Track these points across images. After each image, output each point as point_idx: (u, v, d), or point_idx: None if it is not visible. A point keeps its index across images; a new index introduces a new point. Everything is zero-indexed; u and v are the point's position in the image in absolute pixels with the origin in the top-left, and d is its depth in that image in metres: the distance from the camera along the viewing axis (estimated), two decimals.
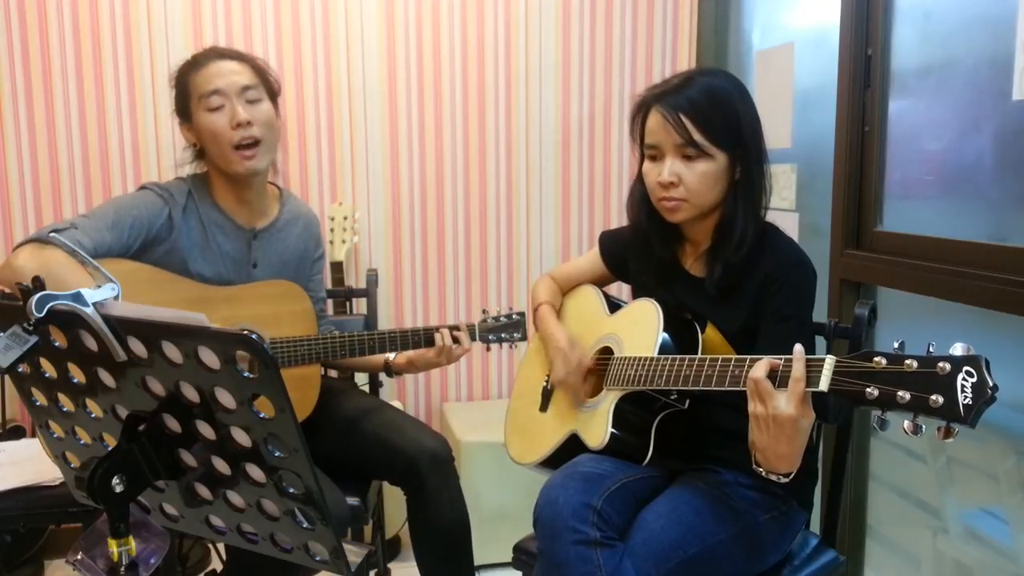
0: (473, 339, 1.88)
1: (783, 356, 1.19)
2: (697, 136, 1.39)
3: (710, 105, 1.41)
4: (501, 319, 1.90)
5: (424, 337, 1.83)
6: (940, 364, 1.01)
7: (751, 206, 1.45)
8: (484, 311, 1.93)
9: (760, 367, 1.19)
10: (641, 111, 1.48)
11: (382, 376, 2.04)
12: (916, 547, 2.06)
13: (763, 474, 1.27)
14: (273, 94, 1.77)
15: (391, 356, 1.94)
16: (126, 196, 1.73)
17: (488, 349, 1.91)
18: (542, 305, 1.74)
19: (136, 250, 1.67)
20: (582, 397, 1.58)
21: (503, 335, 1.90)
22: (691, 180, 1.42)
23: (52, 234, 1.51)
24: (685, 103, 1.40)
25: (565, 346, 1.60)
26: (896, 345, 1.07)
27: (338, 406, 1.90)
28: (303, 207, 1.96)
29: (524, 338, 1.91)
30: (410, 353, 1.89)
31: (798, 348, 1.18)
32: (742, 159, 1.43)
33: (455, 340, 1.83)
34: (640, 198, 1.54)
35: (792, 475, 1.25)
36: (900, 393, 1.04)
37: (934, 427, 1.03)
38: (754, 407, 1.20)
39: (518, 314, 1.90)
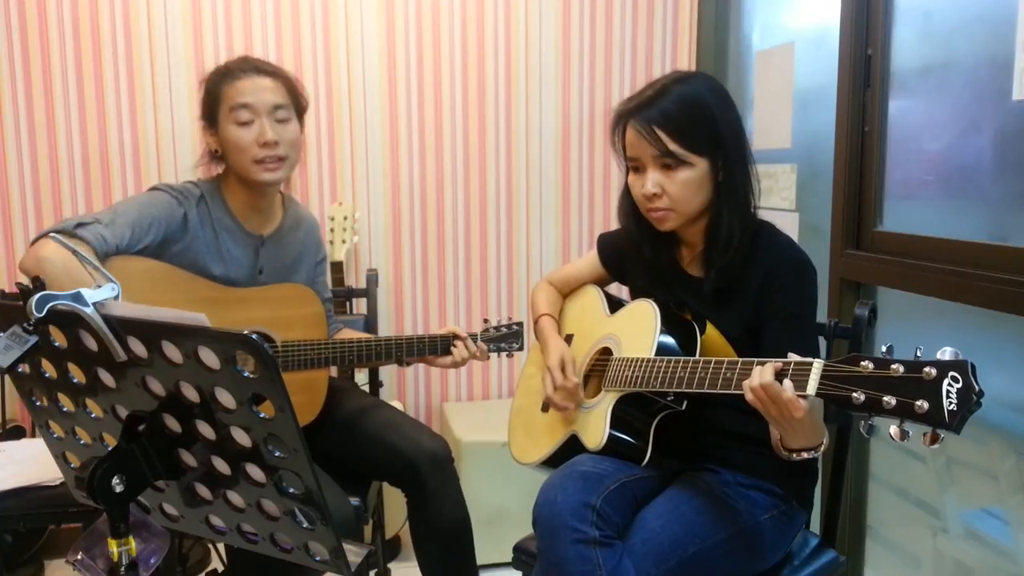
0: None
1: (779, 359, 1.18)
2: (672, 146, 1.39)
3: (683, 114, 1.40)
4: (501, 329, 1.94)
5: (429, 345, 1.84)
6: (926, 369, 1.01)
7: (737, 207, 1.45)
8: (485, 320, 1.97)
9: (767, 372, 1.18)
10: (619, 125, 1.48)
11: (383, 376, 2.05)
12: (916, 547, 2.06)
13: (794, 456, 1.28)
14: (301, 112, 1.78)
15: None
16: (143, 195, 1.72)
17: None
18: (543, 316, 1.75)
19: (152, 248, 1.66)
20: (574, 410, 1.58)
21: (502, 345, 1.95)
22: (673, 190, 1.42)
23: (78, 228, 1.53)
24: (658, 115, 1.40)
25: (555, 364, 1.60)
26: (884, 349, 1.07)
27: (338, 406, 1.90)
28: (304, 212, 1.97)
29: (522, 348, 1.97)
30: None
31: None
32: (723, 161, 1.43)
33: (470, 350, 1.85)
34: (629, 208, 1.55)
35: (821, 446, 1.27)
36: (886, 398, 1.04)
37: (921, 432, 1.02)
38: (767, 410, 1.18)
39: (517, 324, 1.94)
